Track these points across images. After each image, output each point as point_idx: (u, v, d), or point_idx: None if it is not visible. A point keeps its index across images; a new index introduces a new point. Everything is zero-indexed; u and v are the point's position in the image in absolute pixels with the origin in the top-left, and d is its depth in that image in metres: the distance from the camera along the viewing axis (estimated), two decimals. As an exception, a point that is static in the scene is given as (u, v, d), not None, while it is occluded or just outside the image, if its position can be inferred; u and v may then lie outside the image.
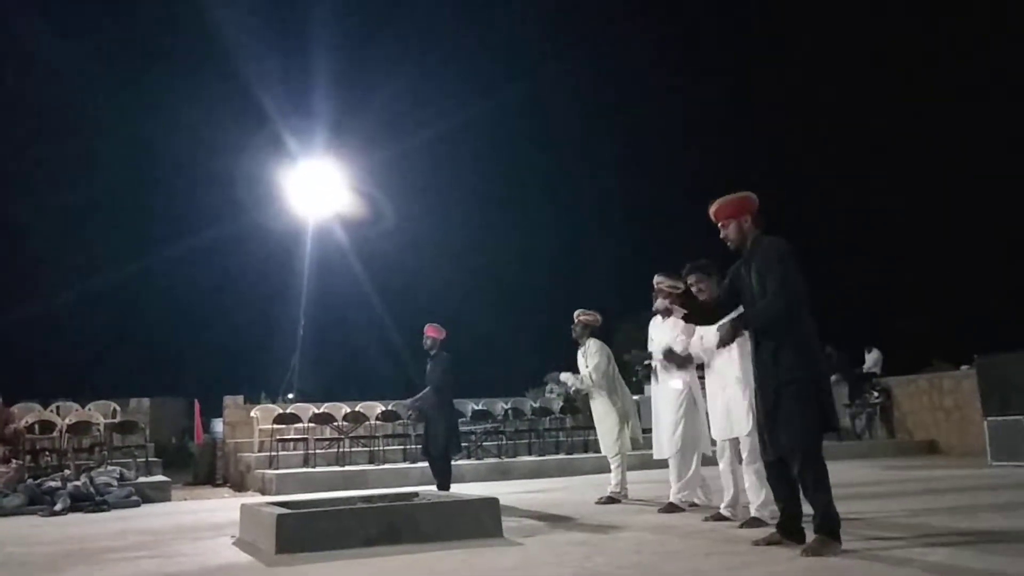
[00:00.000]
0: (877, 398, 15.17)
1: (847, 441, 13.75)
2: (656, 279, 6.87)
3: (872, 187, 23.31)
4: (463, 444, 12.49)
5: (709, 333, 6.07)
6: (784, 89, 24.93)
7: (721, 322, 5.08)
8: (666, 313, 6.70)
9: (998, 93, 20.33)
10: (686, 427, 6.71)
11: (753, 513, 5.62)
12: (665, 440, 6.78)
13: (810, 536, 4.53)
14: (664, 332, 6.91)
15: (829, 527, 4.38)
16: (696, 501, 6.89)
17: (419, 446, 12.15)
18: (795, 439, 4.46)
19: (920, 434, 14.60)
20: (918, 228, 21.96)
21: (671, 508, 6.62)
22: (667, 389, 6.83)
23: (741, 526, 5.56)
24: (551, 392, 14.59)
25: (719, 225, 4.89)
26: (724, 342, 4.97)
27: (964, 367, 13.89)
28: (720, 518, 5.94)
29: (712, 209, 4.87)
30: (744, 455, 5.78)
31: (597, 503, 7.65)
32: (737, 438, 5.84)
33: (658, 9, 25.33)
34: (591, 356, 8.04)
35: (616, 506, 7.38)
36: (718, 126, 24.89)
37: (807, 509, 4.62)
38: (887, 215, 22.73)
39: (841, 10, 23.76)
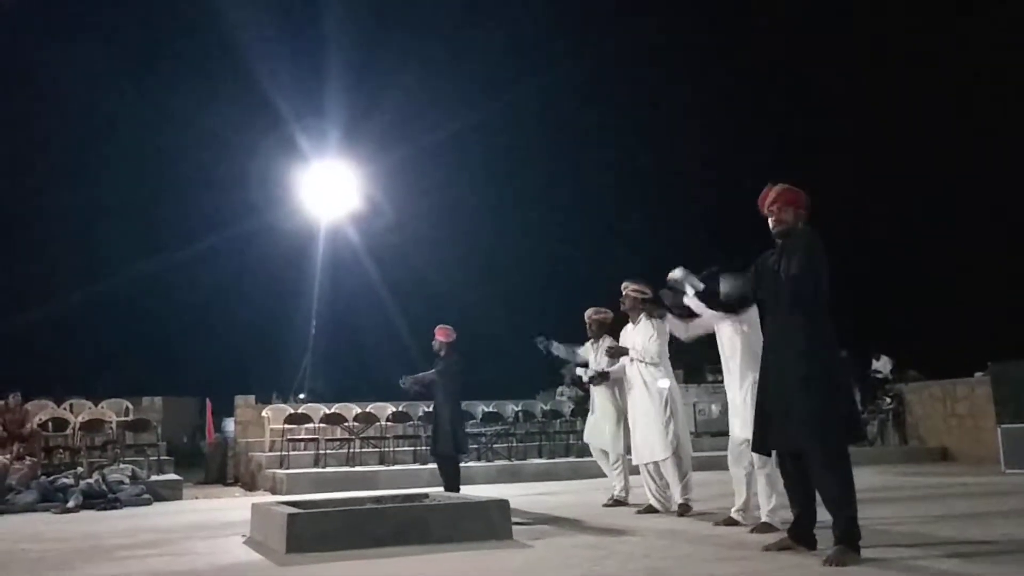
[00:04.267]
0: (889, 404, 15.09)
1: (859, 447, 13.70)
2: (623, 285, 7.18)
3: (883, 187, 23.20)
4: (472, 446, 12.57)
5: (722, 330, 6.04)
6: (794, 86, 24.84)
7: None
8: (634, 314, 7.08)
9: (1015, 91, 20.18)
10: (677, 426, 6.73)
11: (764, 518, 5.61)
12: (657, 442, 6.77)
13: (823, 543, 4.51)
14: (637, 335, 7.04)
15: (850, 538, 4.33)
16: (656, 507, 6.94)
17: (428, 448, 12.24)
18: (818, 441, 4.39)
19: (933, 441, 14.51)
20: (931, 231, 21.82)
21: (684, 510, 6.62)
22: (652, 390, 6.88)
23: (752, 531, 5.54)
24: (561, 395, 14.58)
25: (774, 207, 4.77)
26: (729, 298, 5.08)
27: (978, 374, 13.80)
28: (731, 522, 5.93)
29: (776, 189, 4.79)
30: (756, 459, 5.76)
31: (604, 506, 7.66)
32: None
33: (668, 6, 25.27)
34: (603, 352, 8.04)
35: (624, 509, 7.36)
36: (727, 125, 24.79)
37: (819, 516, 4.60)
38: (899, 217, 22.62)
39: (854, 4, 23.69)
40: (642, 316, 7.05)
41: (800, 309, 4.54)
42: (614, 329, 7.78)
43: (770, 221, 4.81)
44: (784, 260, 4.65)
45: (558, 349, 8.16)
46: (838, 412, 4.44)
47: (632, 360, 7.07)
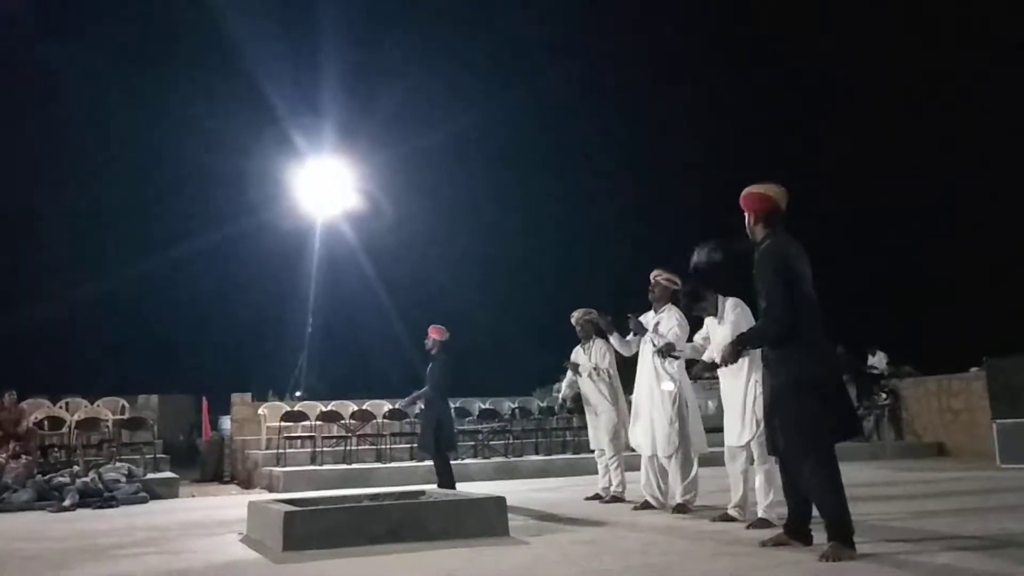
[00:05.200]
0: (885, 399, 15.12)
1: (855, 442, 13.72)
2: (654, 273, 7.04)
3: (880, 184, 23.24)
4: (469, 443, 12.59)
5: (716, 333, 6.08)
6: (790, 84, 24.87)
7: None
8: (660, 303, 6.94)
9: (1008, 89, 20.22)
10: (682, 426, 6.71)
11: (761, 514, 5.62)
12: (662, 438, 6.77)
13: (819, 539, 4.52)
14: (659, 326, 6.95)
15: (842, 533, 4.33)
16: (652, 503, 6.94)
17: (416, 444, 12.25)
18: (795, 442, 4.43)
19: (928, 436, 14.54)
20: (927, 227, 21.86)
21: (681, 509, 6.61)
22: (657, 390, 6.85)
23: (748, 527, 5.55)
24: (558, 392, 14.59)
25: (743, 215, 4.86)
26: (726, 361, 4.95)
27: (974, 369, 13.84)
28: (728, 519, 5.94)
29: (742, 196, 4.86)
30: (755, 456, 5.79)
31: (602, 503, 7.70)
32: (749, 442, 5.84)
33: (664, 7, 25.27)
34: (597, 353, 8.08)
35: (622, 506, 7.38)
36: (727, 124, 24.80)
37: (816, 511, 4.61)
38: (896, 213, 22.64)
39: (852, 3, 23.69)
40: (667, 306, 6.99)
41: (776, 339, 4.55)
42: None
43: None
44: (759, 282, 4.66)
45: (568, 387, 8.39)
46: (824, 412, 4.42)
47: (654, 350, 6.92)
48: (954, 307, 20.47)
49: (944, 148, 21.45)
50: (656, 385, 6.85)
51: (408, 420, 12.82)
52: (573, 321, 8.24)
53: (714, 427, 6.84)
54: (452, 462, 8.69)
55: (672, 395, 6.76)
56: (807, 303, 4.54)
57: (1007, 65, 20.39)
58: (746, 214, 4.81)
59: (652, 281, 7.03)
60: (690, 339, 6.60)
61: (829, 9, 23.84)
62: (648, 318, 7.09)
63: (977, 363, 13.41)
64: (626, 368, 7.82)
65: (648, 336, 6.92)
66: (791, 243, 4.65)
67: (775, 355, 4.58)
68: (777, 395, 4.53)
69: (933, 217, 21.69)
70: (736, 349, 4.80)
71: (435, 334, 8.59)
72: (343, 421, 12.42)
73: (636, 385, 7.17)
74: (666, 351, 6.59)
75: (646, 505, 6.99)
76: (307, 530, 5.19)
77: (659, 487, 6.95)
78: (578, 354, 8.31)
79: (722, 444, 6.14)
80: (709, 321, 6.21)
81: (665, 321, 6.89)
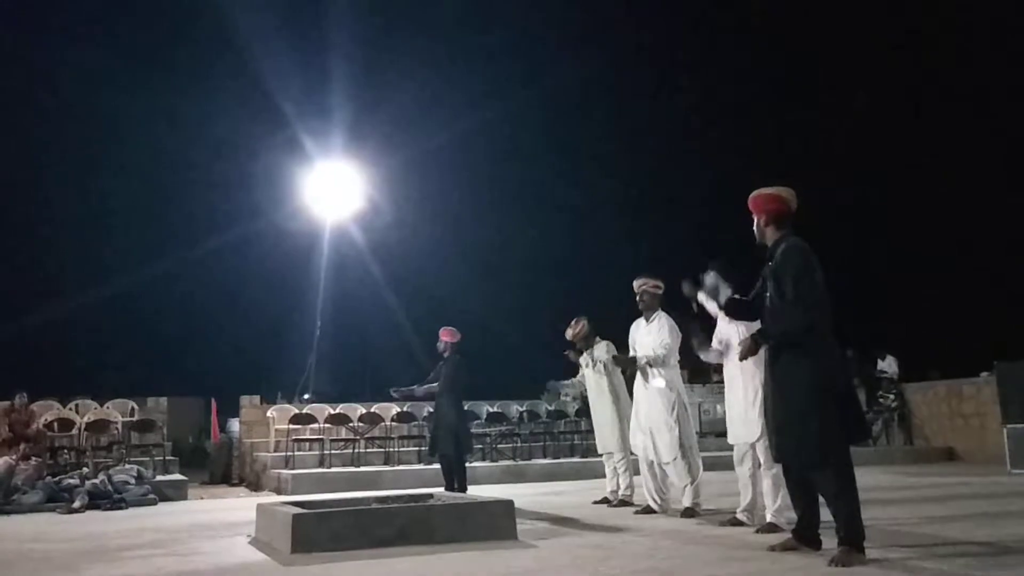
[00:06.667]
0: (893, 401, 15.05)
1: (863, 446, 13.66)
2: (637, 283, 7.05)
3: (889, 187, 23.18)
4: (477, 446, 12.57)
5: (726, 334, 6.06)
6: (795, 84, 24.84)
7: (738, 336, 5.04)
8: (651, 311, 6.95)
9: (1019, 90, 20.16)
10: (683, 429, 6.71)
11: (769, 518, 5.61)
12: (663, 444, 6.76)
13: (828, 544, 4.51)
14: (649, 335, 6.96)
15: (853, 538, 4.31)
16: (654, 507, 6.93)
17: (427, 448, 12.23)
18: (812, 446, 4.40)
19: (938, 441, 14.48)
20: (939, 231, 21.77)
21: (689, 512, 6.60)
22: (653, 390, 6.86)
23: (757, 531, 5.54)
24: (566, 396, 14.57)
25: (753, 217, 4.85)
26: (744, 356, 4.94)
27: (984, 374, 13.77)
28: (736, 523, 5.92)
29: (751, 197, 4.84)
30: (762, 460, 5.76)
31: (611, 506, 7.69)
32: (756, 443, 5.82)
33: (668, 10, 25.28)
34: (599, 354, 8.10)
35: (630, 509, 7.36)
36: (731, 127, 24.80)
37: (824, 516, 4.59)
38: (905, 217, 22.57)
39: (859, 5, 23.64)
40: (656, 314, 7.01)
41: (798, 334, 4.51)
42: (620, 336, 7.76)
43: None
44: (773, 283, 4.62)
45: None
46: (838, 416, 4.40)
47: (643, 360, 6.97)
48: (964, 311, 20.38)
49: (951, 149, 21.40)
50: (653, 390, 6.86)
51: (416, 423, 12.83)
52: (568, 337, 8.22)
53: (723, 431, 6.82)
54: None
55: (666, 395, 6.76)
56: (826, 303, 4.53)
57: (1011, 65, 20.31)
58: (756, 216, 4.79)
59: (638, 291, 7.05)
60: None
61: (829, 9, 23.82)
62: (639, 327, 7.12)
63: (987, 368, 13.35)
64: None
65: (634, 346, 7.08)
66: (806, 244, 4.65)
67: (789, 354, 4.53)
68: (789, 397, 4.50)
69: (944, 218, 21.61)
70: (755, 341, 4.75)
71: (447, 336, 8.56)
72: (351, 424, 12.44)
73: (635, 394, 7.20)
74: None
75: (647, 510, 6.98)
76: (315, 533, 5.19)
77: (659, 491, 6.94)
78: (583, 362, 8.31)
79: (731, 448, 6.13)
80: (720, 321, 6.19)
81: (655, 331, 6.91)
